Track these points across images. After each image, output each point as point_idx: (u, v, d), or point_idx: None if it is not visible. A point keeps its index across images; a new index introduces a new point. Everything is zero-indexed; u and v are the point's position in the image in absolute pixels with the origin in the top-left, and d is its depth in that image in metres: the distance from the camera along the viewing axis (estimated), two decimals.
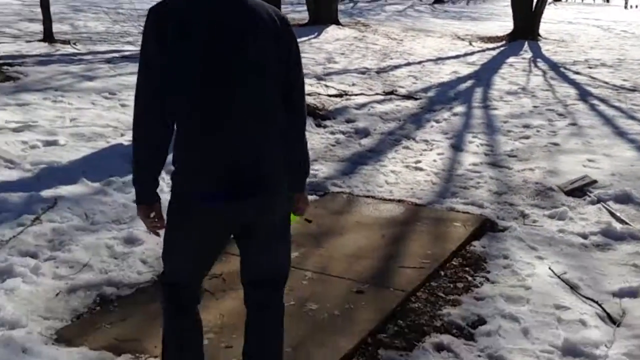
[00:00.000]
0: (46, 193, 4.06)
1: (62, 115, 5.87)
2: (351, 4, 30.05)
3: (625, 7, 47.65)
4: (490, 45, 15.65)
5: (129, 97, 6.71)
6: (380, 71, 10.70)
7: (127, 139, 5.36)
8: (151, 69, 1.88)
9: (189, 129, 1.91)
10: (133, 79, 2.17)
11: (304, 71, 2.11)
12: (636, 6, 50.85)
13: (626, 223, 4.16)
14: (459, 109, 8.01)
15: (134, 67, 1.82)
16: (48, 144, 5.01)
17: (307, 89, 8.97)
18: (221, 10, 1.87)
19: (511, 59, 13.02)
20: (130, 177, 4.43)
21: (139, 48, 1.95)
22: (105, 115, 6.08)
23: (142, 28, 1.94)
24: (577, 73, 11.23)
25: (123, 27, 12.81)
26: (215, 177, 1.91)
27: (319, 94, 8.24)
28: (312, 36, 14.28)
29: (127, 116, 6.06)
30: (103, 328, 2.90)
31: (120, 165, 4.61)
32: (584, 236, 4.07)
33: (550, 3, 29.15)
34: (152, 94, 1.89)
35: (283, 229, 2.13)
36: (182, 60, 1.84)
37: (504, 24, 21.08)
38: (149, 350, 2.70)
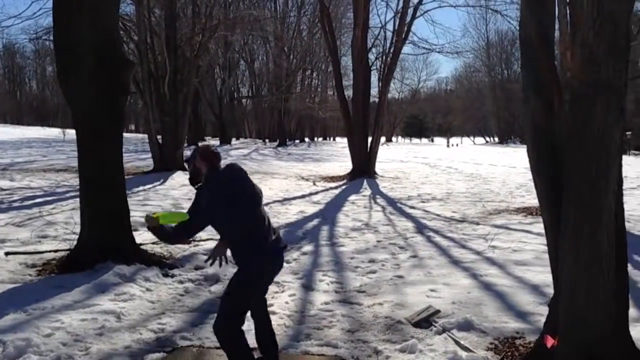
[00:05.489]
0: None
1: None
2: None
3: (448, 146, 53.91)
4: (333, 185, 16.56)
5: None
6: None
7: None
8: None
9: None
10: None
11: None
12: (456, 145, 57.68)
13: (471, 351, 4.33)
14: (308, 247, 8.18)
15: None
16: None
17: (150, 236, 8.50)
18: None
19: (353, 197, 13.81)
20: None
21: None
22: None
23: None
24: (413, 207, 12.13)
25: None
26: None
27: None
28: (158, 183, 14.19)
29: None
30: None
31: None
32: None
33: (383, 144, 31.91)
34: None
35: None
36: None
37: (344, 164, 22.58)
38: None
